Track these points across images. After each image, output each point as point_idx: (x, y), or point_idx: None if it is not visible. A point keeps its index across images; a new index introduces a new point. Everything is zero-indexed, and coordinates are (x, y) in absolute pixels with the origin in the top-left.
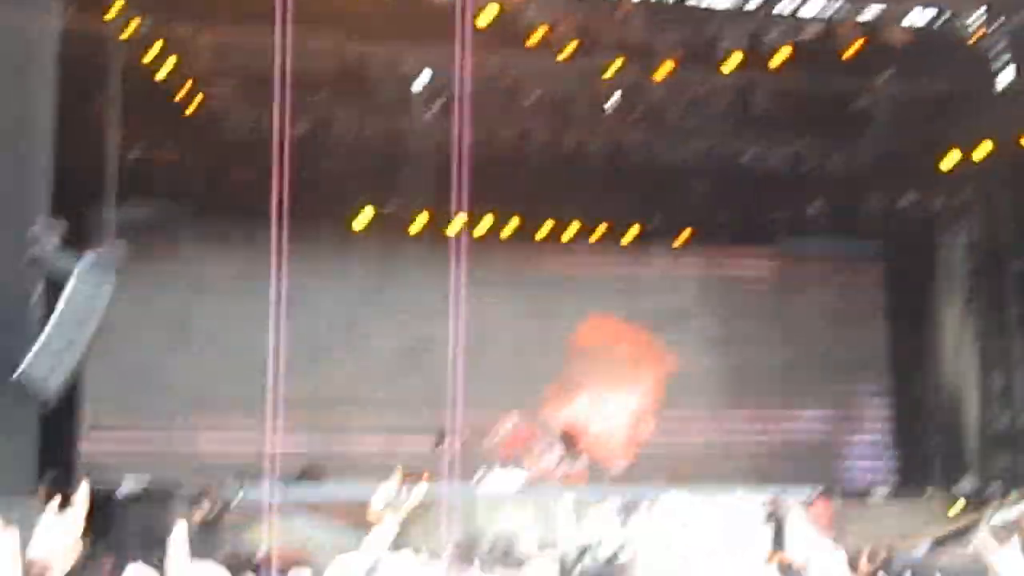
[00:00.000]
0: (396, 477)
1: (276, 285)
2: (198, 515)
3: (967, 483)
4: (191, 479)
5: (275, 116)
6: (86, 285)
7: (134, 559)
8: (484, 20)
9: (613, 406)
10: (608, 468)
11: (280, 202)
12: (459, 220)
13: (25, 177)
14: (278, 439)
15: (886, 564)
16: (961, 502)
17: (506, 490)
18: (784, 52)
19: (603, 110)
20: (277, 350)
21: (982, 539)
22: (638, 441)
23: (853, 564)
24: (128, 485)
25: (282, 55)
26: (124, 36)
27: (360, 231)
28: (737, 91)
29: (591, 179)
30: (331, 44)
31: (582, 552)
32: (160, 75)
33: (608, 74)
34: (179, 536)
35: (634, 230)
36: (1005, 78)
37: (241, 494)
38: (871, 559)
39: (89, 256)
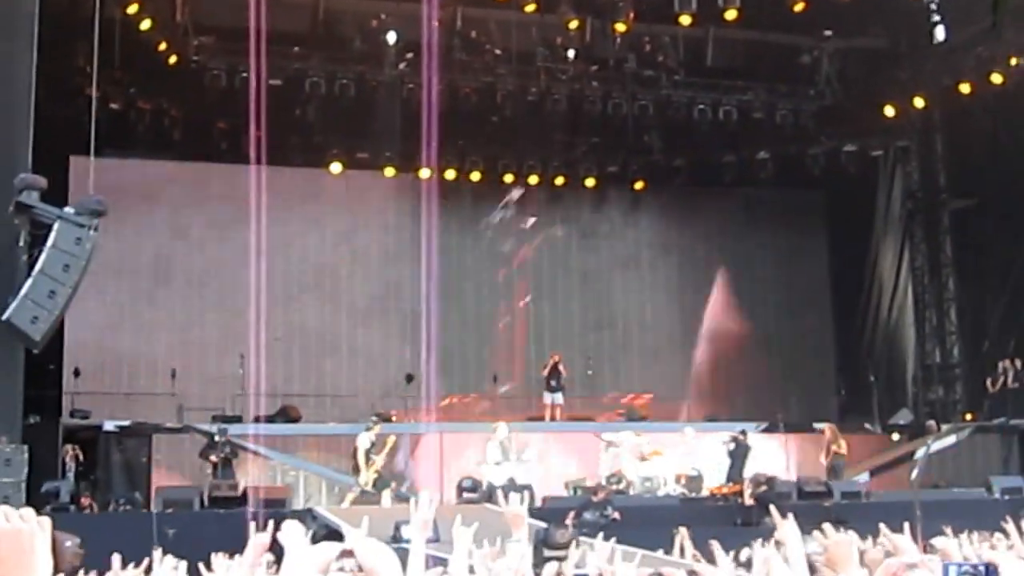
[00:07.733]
0: (375, 427)
1: (256, 230)
2: (214, 456)
3: (903, 416)
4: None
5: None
6: (69, 233)
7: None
8: None
9: None
10: None
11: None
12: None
13: (8, 129)
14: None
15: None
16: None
17: None
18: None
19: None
20: (258, 293)
21: None
22: None
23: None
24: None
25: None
26: None
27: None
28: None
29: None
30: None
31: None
32: (143, 27)
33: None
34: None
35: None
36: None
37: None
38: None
39: (72, 204)
